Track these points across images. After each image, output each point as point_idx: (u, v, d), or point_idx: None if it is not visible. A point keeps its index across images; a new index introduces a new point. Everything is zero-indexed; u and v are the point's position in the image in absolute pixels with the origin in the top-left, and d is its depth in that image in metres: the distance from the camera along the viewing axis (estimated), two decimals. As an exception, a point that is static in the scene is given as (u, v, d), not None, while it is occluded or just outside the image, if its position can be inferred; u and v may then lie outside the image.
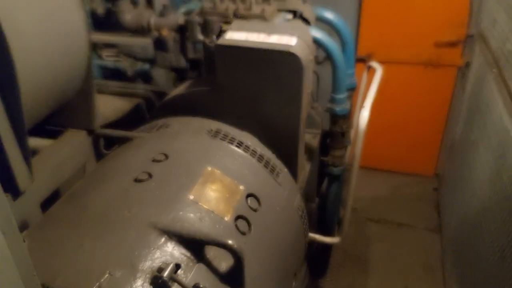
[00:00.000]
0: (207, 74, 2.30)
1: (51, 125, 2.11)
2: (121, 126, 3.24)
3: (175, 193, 1.44)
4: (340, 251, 3.21)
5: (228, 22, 2.16)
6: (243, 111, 2.01)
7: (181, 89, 2.12)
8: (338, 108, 2.38)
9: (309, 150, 2.73)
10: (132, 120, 3.46)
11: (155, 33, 2.29)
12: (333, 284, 2.95)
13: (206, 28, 2.18)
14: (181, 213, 1.37)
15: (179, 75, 2.55)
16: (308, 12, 2.46)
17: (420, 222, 3.48)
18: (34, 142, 2.10)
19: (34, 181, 1.64)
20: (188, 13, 2.35)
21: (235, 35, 1.97)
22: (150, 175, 1.49)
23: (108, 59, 3.56)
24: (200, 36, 2.22)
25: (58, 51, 1.77)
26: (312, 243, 2.95)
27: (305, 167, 2.53)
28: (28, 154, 1.61)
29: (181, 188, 1.46)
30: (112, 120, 3.31)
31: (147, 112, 3.57)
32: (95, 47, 3.55)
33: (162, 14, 2.30)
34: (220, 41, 1.92)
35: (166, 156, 1.59)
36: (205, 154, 1.65)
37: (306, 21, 2.38)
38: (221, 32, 2.12)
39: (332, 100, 2.39)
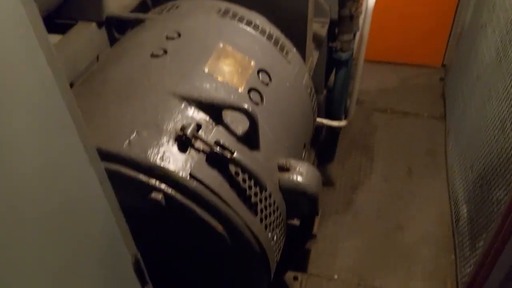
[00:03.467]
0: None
1: (61, 18, 2.12)
2: (129, 22, 3.23)
3: (190, 66, 1.51)
4: (347, 139, 3.35)
5: None
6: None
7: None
8: (347, -10, 2.35)
9: (317, 39, 2.74)
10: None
11: None
12: (340, 168, 3.13)
13: None
14: (197, 83, 1.46)
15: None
16: None
17: (426, 111, 3.57)
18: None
19: None
20: None
21: None
22: (165, 51, 1.55)
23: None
24: None
25: None
26: (320, 130, 3.08)
27: (313, 54, 2.56)
28: None
29: (196, 62, 1.53)
30: (120, 16, 3.28)
31: (152, 5, 3.51)
32: None
33: None
34: None
35: (179, 34, 1.64)
36: (216, 32, 1.69)
37: None
38: None
39: (341, -18, 2.35)
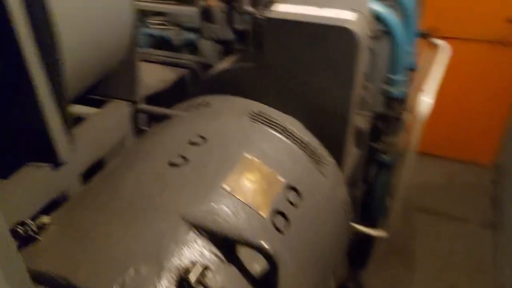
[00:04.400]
0: (254, 48, 2.16)
1: (94, 94, 2.08)
2: (165, 97, 3.18)
3: (209, 181, 1.34)
4: (384, 242, 3.04)
5: (278, -8, 2.00)
6: (289, 91, 1.88)
7: (225, 64, 1.99)
8: (394, 91, 2.17)
9: (358, 134, 2.54)
10: (176, 91, 3.40)
11: (201, 3, 2.15)
12: (374, 277, 2.81)
13: (256, -4, 2.04)
14: (214, 205, 1.27)
15: (226, 47, 2.42)
16: (368, -18, 2.22)
17: (474, 217, 3.23)
18: (79, 109, 2.08)
19: (75, 151, 1.58)
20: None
21: (284, 7, 1.82)
22: (185, 159, 1.40)
23: (155, 27, 3.47)
24: (248, 7, 2.08)
25: (102, 19, 1.71)
26: (354, 231, 2.80)
27: (352, 153, 2.35)
28: (69, 124, 1.58)
29: (217, 176, 1.36)
30: (156, 91, 3.27)
31: (191, 83, 3.49)
32: (143, 14, 3.47)
33: (208, -19, 2.15)
34: (267, 13, 1.78)
35: (204, 139, 1.49)
36: (244, 139, 1.52)
37: (365, -8, 2.16)
38: (269, 3, 1.97)
39: (389, 82, 2.18)
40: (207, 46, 3.46)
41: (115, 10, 1.79)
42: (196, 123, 1.58)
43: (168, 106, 2.48)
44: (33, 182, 1.52)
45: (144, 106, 1.83)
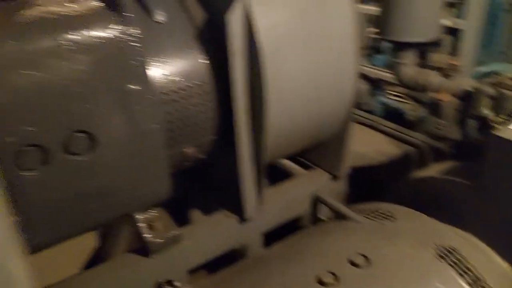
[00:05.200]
0: (475, 162, 1.81)
1: (299, 156, 2.11)
2: (379, 171, 3.00)
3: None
4: None
5: (530, 102, 1.62)
6: (505, 224, 1.50)
7: (431, 171, 1.73)
8: None
9: None
10: (395, 168, 3.15)
11: (432, 95, 1.93)
12: None
13: (497, 103, 1.70)
14: None
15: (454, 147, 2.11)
16: None
17: None
18: (284, 163, 2.14)
19: (262, 211, 1.67)
20: (482, 77, 1.88)
21: (527, 127, 1.46)
22: (336, 280, 1.25)
23: (392, 98, 3.35)
24: (487, 111, 1.75)
25: (320, 97, 1.73)
26: None
27: None
28: (262, 185, 1.64)
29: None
30: (371, 162, 3.11)
31: (417, 163, 3.17)
32: (381, 83, 3.40)
33: (447, 74, 1.91)
34: (503, 129, 1.46)
35: (367, 262, 1.30)
36: (417, 280, 1.26)
37: None
38: (513, 115, 1.62)
39: None
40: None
41: (335, 91, 1.76)
42: (366, 238, 1.40)
43: (380, 182, 2.29)
44: (219, 227, 1.64)
45: (325, 198, 1.74)
